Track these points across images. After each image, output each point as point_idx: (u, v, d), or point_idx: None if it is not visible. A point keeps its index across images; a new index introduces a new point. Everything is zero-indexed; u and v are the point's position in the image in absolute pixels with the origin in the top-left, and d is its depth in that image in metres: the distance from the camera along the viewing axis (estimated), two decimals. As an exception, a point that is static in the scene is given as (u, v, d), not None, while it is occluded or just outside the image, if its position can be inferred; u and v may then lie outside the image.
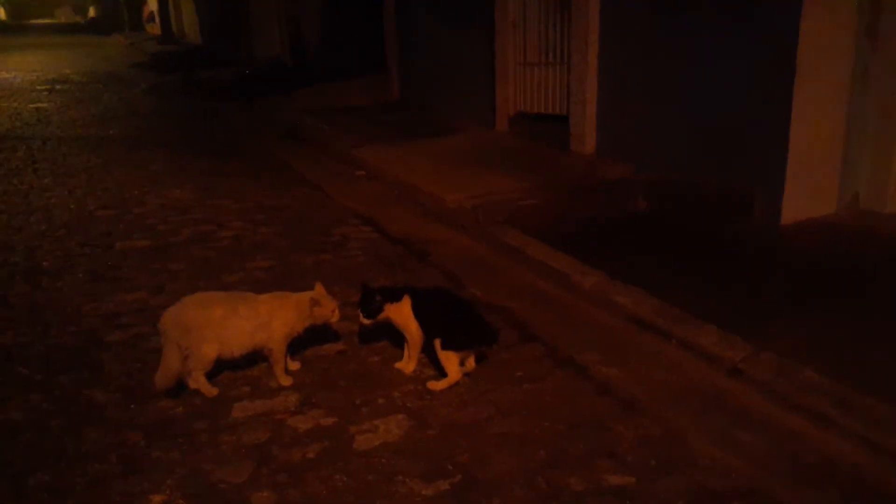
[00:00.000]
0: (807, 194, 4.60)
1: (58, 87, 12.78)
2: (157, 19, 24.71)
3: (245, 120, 9.41)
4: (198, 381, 2.75)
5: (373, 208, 5.33)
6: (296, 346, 2.95)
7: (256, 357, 2.87)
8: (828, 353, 2.92)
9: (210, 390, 2.75)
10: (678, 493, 2.13)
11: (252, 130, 8.76)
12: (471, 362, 2.81)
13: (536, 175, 5.53)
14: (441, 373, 2.79)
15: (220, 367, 2.82)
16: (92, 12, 40.91)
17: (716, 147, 4.91)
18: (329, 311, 2.87)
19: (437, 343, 2.72)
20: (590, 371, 2.90)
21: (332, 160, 7.07)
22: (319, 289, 2.88)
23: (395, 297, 2.82)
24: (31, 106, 10.46)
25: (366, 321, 2.84)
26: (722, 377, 2.86)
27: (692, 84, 5.02)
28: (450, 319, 2.75)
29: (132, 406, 2.70)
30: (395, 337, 3.06)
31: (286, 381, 2.84)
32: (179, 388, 2.74)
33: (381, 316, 2.83)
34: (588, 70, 5.95)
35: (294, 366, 2.94)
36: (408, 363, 2.90)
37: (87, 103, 10.82)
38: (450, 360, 2.72)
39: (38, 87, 12.60)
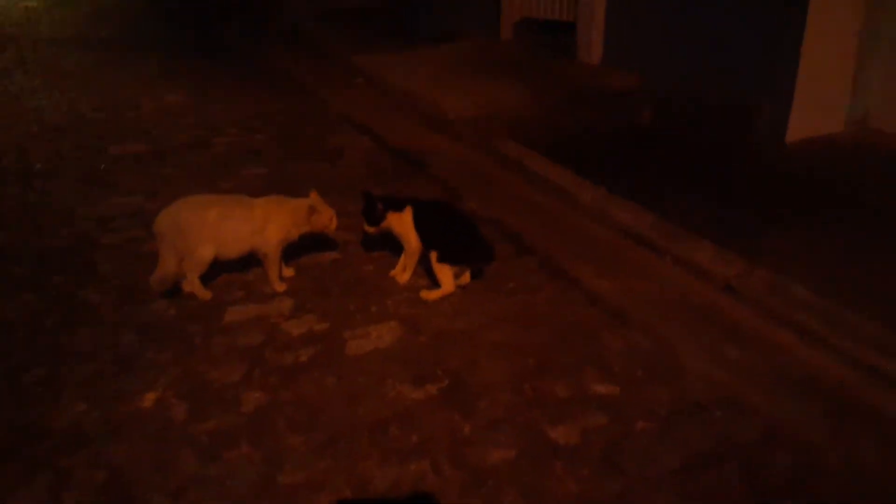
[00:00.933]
0: (815, 111, 4.48)
1: (47, -16, 12.31)
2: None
3: (241, 23, 9.10)
4: (192, 284, 2.75)
5: (369, 117, 5.21)
6: (291, 253, 2.95)
7: (251, 261, 2.87)
8: (822, 270, 2.91)
9: (204, 293, 2.76)
10: (661, 403, 2.17)
11: (248, 34, 8.48)
12: (466, 276, 2.81)
13: (540, 84, 5.39)
14: (435, 284, 2.79)
15: (215, 271, 2.82)
16: None
17: (724, 59, 4.74)
18: (327, 218, 2.86)
19: (434, 255, 2.71)
20: (582, 283, 2.90)
21: (330, 66, 6.88)
22: (315, 196, 2.85)
23: (398, 206, 2.81)
24: (21, 4, 10.10)
25: (369, 229, 2.84)
26: (714, 293, 2.86)
27: (704, -8, 4.82)
28: (448, 233, 2.74)
29: (125, 307, 2.72)
30: (390, 247, 3.05)
31: (280, 286, 2.84)
32: (175, 290, 2.75)
33: (383, 224, 2.81)
34: (597, -25, 5.70)
35: (288, 272, 2.94)
36: (403, 273, 2.90)
37: (78, 3, 10.44)
38: (444, 273, 2.72)
39: (27, -16, 12.14)
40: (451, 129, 4.86)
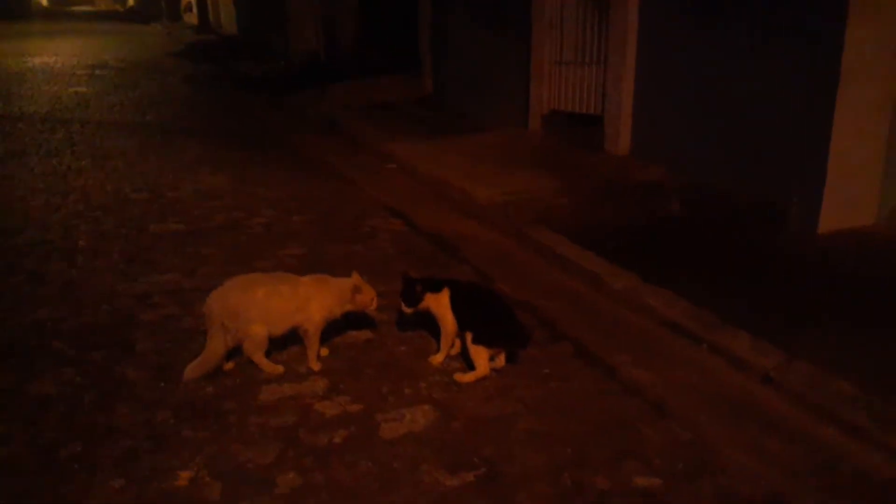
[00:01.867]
0: (845, 204, 4.51)
1: (97, 72, 12.99)
2: (195, 9, 25.01)
3: (279, 113, 9.48)
4: (261, 363, 2.80)
5: (403, 202, 5.33)
6: (325, 333, 2.97)
7: (286, 340, 2.90)
8: (861, 365, 2.86)
9: (275, 368, 2.81)
10: (704, 497, 2.11)
11: (286, 123, 8.83)
12: (501, 359, 2.81)
13: (569, 174, 5.50)
14: (469, 366, 2.79)
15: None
16: (131, 1, 41.54)
17: (752, 153, 4.83)
18: (369, 298, 2.92)
19: (469, 336, 2.72)
20: (618, 372, 2.87)
21: (364, 154, 7.10)
22: (357, 277, 2.92)
23: (436, 287, 2.84)
24: (71, 90, 10.64)
25: (407, 310, 2.87)
26: (753, 384, 2.81)
27: (730, 88, 4.95)
28: (484, 315, 2.76)
29: (162, 384, 2.74)
30: (423, 327, 3.07)
31: (317, 365, 2.87)
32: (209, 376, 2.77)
33: (421, 305, 2.85)
34: (625, 70, 5.90)
35: (323, 352, 2.96)
36: (437, 354, 2.90)
37: (125, 89, 10.98)
38: (479, 355, 2.72)
39: (78, 72, 12.82)
40: (482, 215, 4.95)
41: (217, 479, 2.17)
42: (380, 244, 4.43)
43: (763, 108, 4.72)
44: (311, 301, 2.83)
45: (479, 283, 3.30)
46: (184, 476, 2.18)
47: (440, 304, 2.82)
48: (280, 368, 2.81)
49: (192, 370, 2.73)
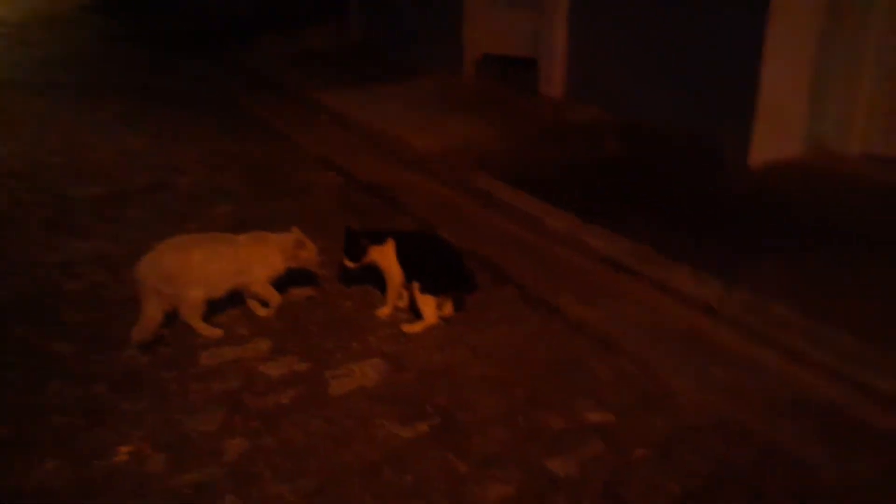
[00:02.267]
0: (774, 136, 4.60)
1: (-5, 29, 12.07)
2: (102, -41, 23.46)
3: (200, 67, 9.02)
4: (198, 327, 2.68)
5: (337, 154, 5.17)
6: (265, 292, 2.87)
7: (224, 302, 2.79)
8: (797, 291, 2.95)
9: (214, 331, 2.69)
10: (656, 429, 2.14)
11: (207, 77, 8.41)
12: (448, 307, 2.76)
13: (505, 119, 5.43)
14: (418, 317, 2.74)
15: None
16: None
17: (686, 89, 4.85)
18: (312, 253, 2.83)
19: (416, 286, 2.66)
20: (564, 312, 2.87)
21: (294, 106, 6.84)
22: (297, 232, 2.82)
23: (380, 240, 2.76)
24: (-35, 50, 9.87)
25: (350, 264, 2.78)
26: (695, 316, 2.87)
27: (662, 25, 4.94)
28: (431, 263, 2.70)
29: (95, 357, 2.59)
30: (368, 281, 3.00)
31: (267, 312, 2.85)
32: (156, 341, 2.64)
33: (366, 259, 2.76)
34: (558, 11, 5.82)
35: (264, 312, 2.86)
36: (384, 307, 2.83)
37: (30, 47, 10.22)
38: (427, 304, 2.67)
39: (-28, 30, 11.88)
40: (420, 164, 4.85)
41: (160, 451, 2.08)
42: (315, 198, 4.29)
43: (695, 43, 4.72)
44: (254, 261, 2.73)
45: (423, 231, 3.22)
46: (124, 451, 2.08)
47: (385, 256, 2.74)
48: (219, 331, 2.70)
49: (136, 333, 2.59)
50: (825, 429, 2.13)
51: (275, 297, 2.84)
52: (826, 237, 3.58)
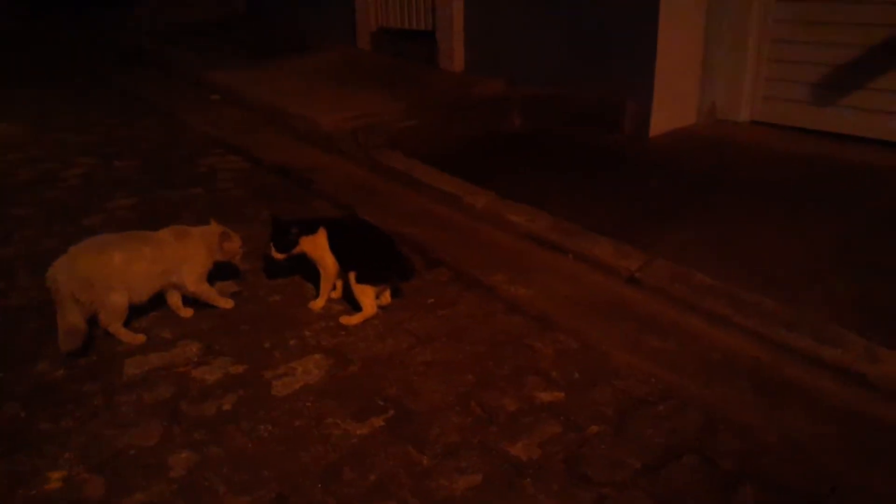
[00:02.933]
0: (671, 105, 4.80)
1: None
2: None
3: (73, 42, 8.32)
4: (119, 334, 2.49)
5: (237, 135, 4.94)
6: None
7: (145, 305, 2.60)
8: (709, 254, 3.12)
9: (135, 338, 2.50)
10: (606, 403, 2.19)
11: (83, 53, 7.78)
12: (386, 296, 2.70)
13: (409, 95, 5.35)
14: (354, 307, 2.66)
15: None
16: None
17: (587, 58, 4.96)
18: (237, 245, 2.70)
19: (352, 276, 2.58)
20: (498, 291, 2.89)
21: (181, 83, 6.46)
22: (216, 224, 2.68)
23: (311, 229, 2.64)
24: None
25: (278, 255, 2.65)
26: (621, 286, 2.95)
27: (563, -5, 5.00)
28: (366, 251, 2.61)
29: (1, 374, 2.35)
30: (295, 272, 2.89)
31: (228, 303, 2.73)
32: (86, 347, 2.43)
33: (296, 250, 2.63)
34: (453, -20, 5.76)
35: (187, 313, 2.69)
36: (317, 299, 2.73)
37: None
38: (365, 294, 2.59)
39: None
40: (328, 143, 4.70)
41: (97, 473, 1.91)
42: (223, 185, 4.07)
43: (595, 10, 4.81)
44: (180, 258, 2.56)
45: (354, 217, 3.12)
46: (55, 476, 1.89)
47: (317, 246, 2.63)
48: (141, 337, 2.51)
49: (64, 341, 2.36)
50: (757, 390, 2.25)
51: (219, 301, 2.70)
52: (723, 196, 3.80)
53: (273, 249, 2.64)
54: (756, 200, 3.72)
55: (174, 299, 2.68)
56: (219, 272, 2.83)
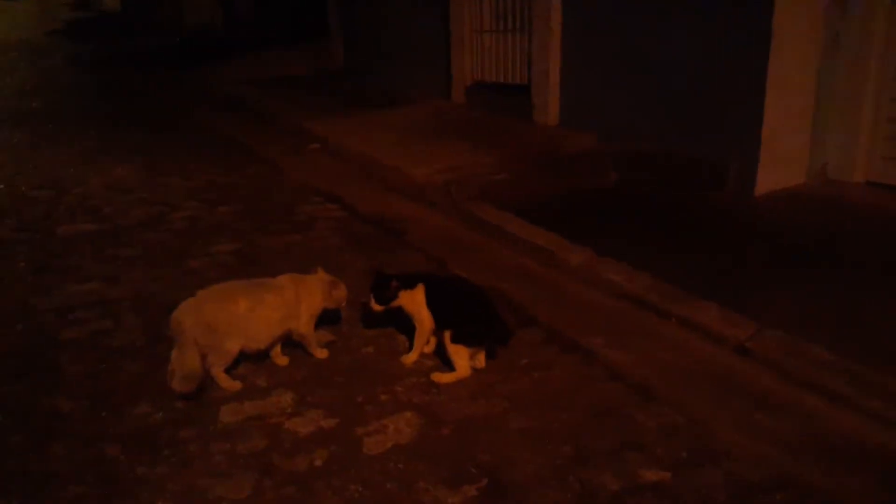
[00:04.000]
0: (779, 164, 4.59)
1: (-36, 55, 11.76)
2: (71, -18, 23.20)
3: (179, 92, 8.85)
4: (219, 378, 2.53)
5: (334, 185, 5.04)
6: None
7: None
8: (823, 326, 2.90)
9: (232, 384, 2.54)
10: (717, 487, 2.02)
11: (188, 103, 8.24)
12: (481, 358, 2.63)
13: (502, 148, 5.35)
14: (446, 364, 2.60)
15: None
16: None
17: (686, 116, 4.83)
18: (344, 293, 2.76)
19: (447, 335, 2.53)
20: (596, 355, 2.76)
21: (280, 133, 6.71)
22: (323, 272, 2.76)
23: (410, 283, 2.63)
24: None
25: (377, 307, 2.65)
26: (729, 356, 2.78)
27: (661, 50, 4.92)
28: (463, 311, 2.57)
29: (103, 414, 2.40)
30: (389, 323, 2.87)
31: (323, 353, 2.74)
32: (200, 391, 2.49)
33: (395, 303, 2.63)
34: (551, 36, 5.78)
35: (283, 361, 2.70)
36: (410, 353, 2.69)
37: (2, 74, 9.96)
38: (459, 355, 2.53)
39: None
40: (420, 195, 4.74)
41: (189, 524, 1.91)
42: (320, 233, 4.14)
43: (695, 70, 4.71)
44: (300, 304, 2.63)
45: (455, 275, 3.10)
46: (149, 525, 1.90)
47: (415, 301, 2.61)
48: (238, 384, 2.54)
49: (180, 383, 2.42)
50: (887, 484, 2.03)
51: (316, 350, 2.75)
52: (837, 263, 3.55)
53: (372, 301, 2.64)
54: (875, 269, 3.46)
55: (275, 347, 2.71)
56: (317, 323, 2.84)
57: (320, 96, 7.84)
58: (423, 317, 2.60)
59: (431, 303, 2.59)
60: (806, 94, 4.59)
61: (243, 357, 2.61)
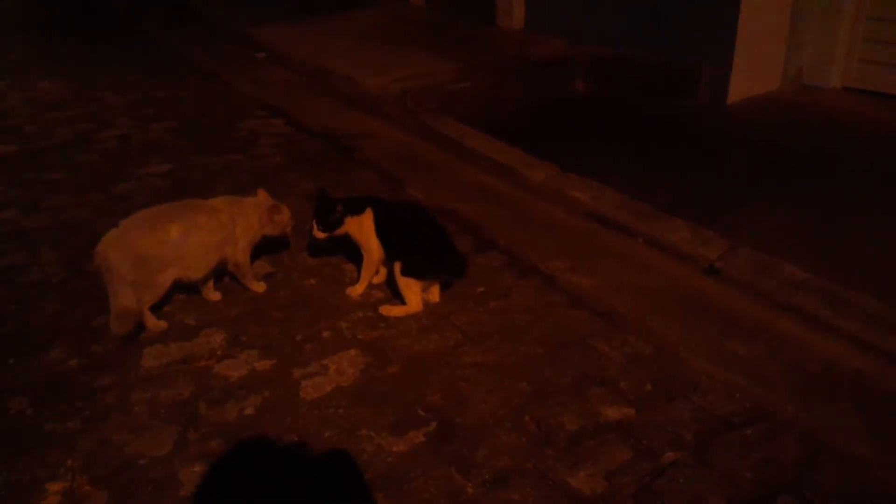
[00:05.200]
0: (753, 70, 4.33)
1: None
2: None
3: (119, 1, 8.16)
4: (144, 315, 2.27)
5: (282, 97, 4.68)
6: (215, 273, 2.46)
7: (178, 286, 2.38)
8: (798, 242, 2.74)
9: (157, 324, 2.29)
10: (684, 424, 1.87)
11: (130, 12, 7.60)
12: (434, 291, 2.40)
13: (464, 55, 4.98)
14: (396, 296, 2.38)
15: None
16: None
17: (658, 19, 4.51)
18: (287, 217, 2.50)
19: (398, 267, 2.29)
20: (558, 280, 2.57)
21: (225, 42, 6.22)
22: (264, 195, 2.49)
23: (358, 209, 2.36)
24: None
25: (321, 234, 2.38)
26: (699, 277, 2.61)
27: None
28: (415, 241, 2.32)
29: (11, 361, 2.15)
30: (334, 251, 2.63)
31: (260, 286, 2.50)
32: (139, 329, 2.25)
33: (340, 230, 2.37)
34: (515, -69, 5.32)
35: (216, 296, 2.45)
36: (357, 285, 2.46)
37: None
38: (410, 288, 2.30)
39: None
40: (375, 106, 4.40)
41: (100, 487, 1.69)
42: (263, 151, 3.82)
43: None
44: (237, 228, 2.36)
45: (408, 202, 2.84)
46: (54, 489, 1.69)
47: (363, 229, 2.35)
48: (164, 324, 2.29)
49: (115, 324, 2.18)
50: (864, 411, 1.90)
51: (252, 283, 2.49)
52: (816, 175, 3.37)
53: (315, 227, 2.37)
54: (853, 180, 3.28)
55: (208, 281, 2.46)
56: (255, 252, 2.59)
57: (268, 1, 7.27)
58: (372, 246, 2.36)
59: (381, 230, 2.34)
60: (784, -4, 4.27)
61: (174, 290, 2.35)
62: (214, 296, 2.45)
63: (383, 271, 2.47)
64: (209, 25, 6.80)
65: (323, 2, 6.87)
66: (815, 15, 4.32)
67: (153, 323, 2.28)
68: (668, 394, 1.99)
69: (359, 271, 2.49)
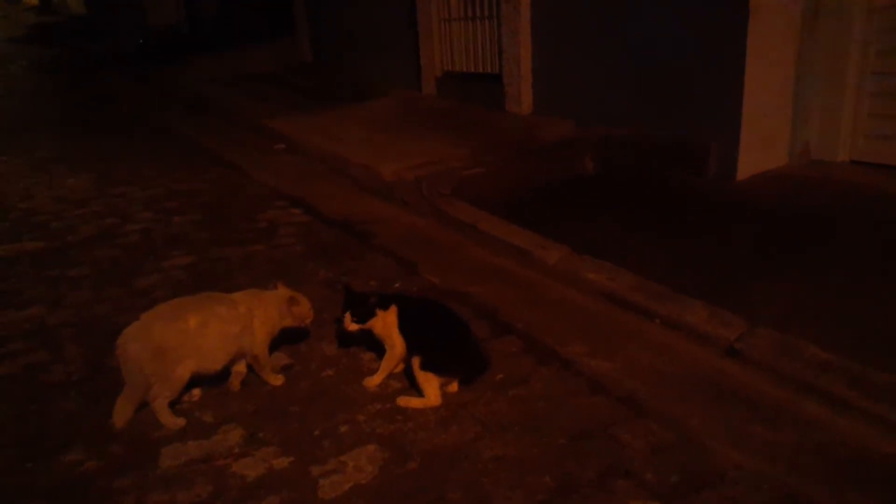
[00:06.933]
0: (760, 146, 4.39)
1: (-81, 65, 11.33)
2: (33, -13, 22.64)
3: (142, 94, 8.53)
4: (160, 413, 2.27)
5: (299, 186, 4.79)
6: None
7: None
8: (817, 318, 2.70)
9: (175, 422, 2.28)
10: (714, 517, 1.81)
11: (151, 105, 7.92)
12: (453, 385, 2.39)
13: (475, 140, 5.11)
14: (413, 388, 2.37)
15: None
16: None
17: (663, 98, 4.62)
18: (307, 308, 2.53)
19: (417, 361, 2.30)
20: (577, 365, 2.55)
21: (244, 133, 6.43)
22: (283, 288, 2.52)
23: (383, 304, 2.40)
24: None
25: (353, 326, 2.40)
26: (719, 359, 2.57)
27: (633, 31, 4.71)
28: (436, 337, 2.34)
29: (29, 465, 2.15)
30: (350, 342, 2.63)
31: (278, 380, 2.49)
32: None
33: (371, 322, 2.39)
34: (520, 20, 5.55)
35: (235, 387, 2.46)
36: (375, 376, 2.46)
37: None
38: (429, 382, 2.29)
39: None
40: (390, 193, 4.50)
41: None
42: (283, 241, 3.89)
43: (672, 50, 4.49)
44: (254, 319, 2.38)
45: (429, 298, 2.88)
46: None
47: (387, 324, 2.38)
48: (181, 421, 2.29)
49: (120, 416, 2.22)
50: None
51: (270, 377, 2.50)
52: (830, 247, 3.36)
53: (348, 320, 2.39)
54: (869, 252, 3.27)
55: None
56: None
57: (286, 93, 7.58)
58: (395, 341, 2.38)
59: (404, 326, 2.36)
60: (786, 70, 4.38)
61: (195, 382, 2.36)
62: (234, 386, 2.46)
63: (402, 365, 2.47)
64: (229, 116, 7.05)
65: (339, 94, 7.13)
66: (819, 92, 4.40)
67: (172, 420, 2.28)
68: (695, 485, 1.93)
69: (377, 360, 2.50)
